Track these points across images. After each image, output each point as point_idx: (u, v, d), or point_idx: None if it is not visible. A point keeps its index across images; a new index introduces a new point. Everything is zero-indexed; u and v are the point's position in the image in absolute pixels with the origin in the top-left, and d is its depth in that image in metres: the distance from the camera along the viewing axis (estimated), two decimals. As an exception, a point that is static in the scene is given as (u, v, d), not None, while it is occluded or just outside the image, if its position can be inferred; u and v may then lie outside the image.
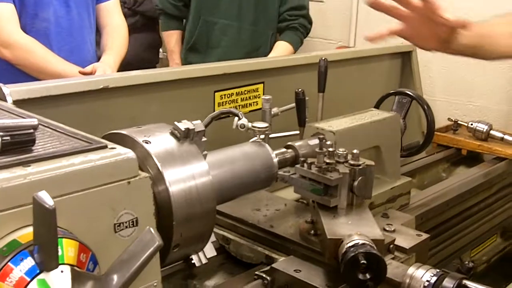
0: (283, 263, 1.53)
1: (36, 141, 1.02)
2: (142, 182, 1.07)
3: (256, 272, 1.53)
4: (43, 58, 2.50)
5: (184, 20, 3.59)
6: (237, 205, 1.72)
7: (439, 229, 2.33)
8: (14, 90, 1.59)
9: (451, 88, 3.76)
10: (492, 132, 2.88)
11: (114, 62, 2.63)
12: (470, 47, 1.85)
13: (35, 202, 0.81)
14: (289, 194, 1.95)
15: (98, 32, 2.86)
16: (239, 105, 2.37)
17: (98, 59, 2.72)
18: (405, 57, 3.22)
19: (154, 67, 4.23)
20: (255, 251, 1.65)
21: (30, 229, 0.90)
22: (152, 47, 4.18)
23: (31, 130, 1.02)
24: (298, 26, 3.50)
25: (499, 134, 2.87)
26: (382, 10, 1.81)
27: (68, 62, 2.54)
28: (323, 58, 2.10)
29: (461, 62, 3.66)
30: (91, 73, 2.47)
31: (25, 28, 2.51)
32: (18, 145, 1.00)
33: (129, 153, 1.06)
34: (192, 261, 1.43)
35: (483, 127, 2.89)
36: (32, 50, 2.49)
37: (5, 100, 1.48)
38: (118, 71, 2.63)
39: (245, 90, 2.40)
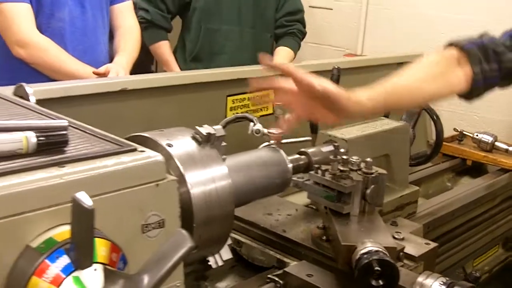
0: (296, 267, 1.56)
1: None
2: (170, 185, 1.10)
3: (269, 275, 1.55)
4: (57, 57, 2.53)
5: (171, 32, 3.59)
6: (249, 209, 1.75)
7: (443, 238, 2.35)
8: (36, 90, 1.62)
9: (456, 98, 3.79)
10: (497, 143, 2.91)
11: (127, 63, 2.67)
12: (376, 109, 1.72)
13: (74, 202, 0.84)
14: (298, 199, 1.99)
15: (111, 33, 2.89)
16: (250, 110, 2.40)
17: (110, 60, 2.76)
18: (413, 67, 3.25)
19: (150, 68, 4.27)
20: (267, 255, 1.68)
21: (65, 228, 0.93)
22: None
23: (65, 131, 1.05)
24: (296, 32, 3.56)
25: (504, 146, 2.90)
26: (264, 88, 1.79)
27: (82, 62, 2.57)
28: (336, 67, 2.13)
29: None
30: (104, 74, 2.51)
31: (40, 28, 2.54)
32: (52, 145, 1.03)
33: (157, 156, 1.09)
34: (209, 263, 1.46)
35: (488, 139, 2.93)
36: (47, 50, 2.52)
37: (28, 100, 1.50)
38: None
39: (257, 95, 2.43)
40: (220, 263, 1.47)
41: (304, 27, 3.66)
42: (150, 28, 3.43)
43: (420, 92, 1.76)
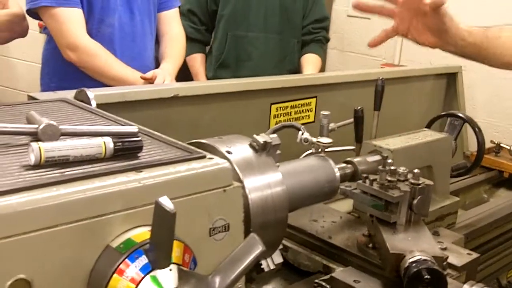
0: (343, 273, 1.60)
1: (141, 148, 1.12)
2: (236, 190, 1.16)
3: (316, 280, 1.60)
4: (106, 62, 2.60)
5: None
6: (295, 215, 1.78)
7: (481, 249, 2.38)
8: (96, 95, 1.68)
9: (492, 110, 3.81)
10: (533, 156, 2.94)
11: (173, 70, 2.73)
12: (471, 45, 1.80)
13: (157, 205, 0.90)
14: (340, 206, 2.04)
15: (156, 39, 2.96)
16: (292, 118, 2.46)
17: (156, 65, 2.82)
18: (451, 78, 3.29)
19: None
20: (313, 260, 1.73)
21: (142, 229, 0.99)
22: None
23: (138, 138, 1.11)
24: (322, 39, 3.60)
25: (541, 159, 2.93)
26: (368, 11, 1.82)
27: (130, 67, 2.64)
28: (381, 78, 2.18)
29: (504, 85, 3.72)
30: (151, 79, 2.57)
31: (91, 32, 2.61)
32: (128, 151, 1.09)
33: (225, 163, 1.15)
34: (261, 266, 1.51)
35: (525, 151, 2.96)
36: (96, 54, 2.59)
37: (90, 104, 1.57)
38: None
39: (299, 104, 2.49)
40: (272, 266, 1.52)
41: (328, 33, 3.72)
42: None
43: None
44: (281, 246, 1.54)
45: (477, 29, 1.79)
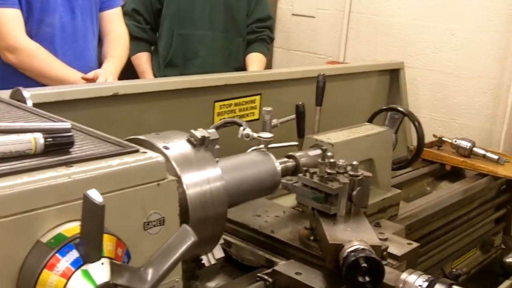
0: (284, 266, 1.61)
1: (73, 143, 1.11)
2: (170, 184, 1.15)
3: (258, 274, 1.60)
4: (46, 63, 2.57)
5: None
6: (238, 211, 1.81)
7: (423, 240, 2.43)
8: (32, 94, 1.66)
9: (435, 105, 3.89)
10: (475, 149, 3.01)
11: (115, 69, 2.71)
12: None
13: (85, 198, 0.90)
14: (285, 201, 2.05)
15: (99, 39, 2.94)
16: (237, 115, 2.47)
17: (99, 65, 2.80)
18: (394, 74, 3.35)
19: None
20: (256, 255, 1.74)
21: (73, 224, 0.99)
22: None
23: (70, 133, 1.10)
24: (266, 38, 3.62)
25: (482, 151, 3.00)
26: None
27: (71, 67, 2.61)
28: (322, 74, 2.20)
29: (446, 80, 3.81)
30: (93, 79, 2.55)
31: (30, 33, 2.58)
32: (59, 146, 1.08)
33: (159, 157, 1.15)
34: (202, 262, 1.51)
35: (466, 144, 3.01)
36: (36, 55, 2.56)
37: (25, 103, 1.55)
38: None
39: (243, 101, 2.50)
40: (213, 261, 1.52)
41: (273, 33, 3.75)
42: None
43: None
44: (222, 241, 1.54)
45: None
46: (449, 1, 3.78)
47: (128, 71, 2.94)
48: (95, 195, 0.90)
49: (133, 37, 3.30)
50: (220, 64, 3.42)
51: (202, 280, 1.72)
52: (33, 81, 2.55)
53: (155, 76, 3.49)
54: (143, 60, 3.49)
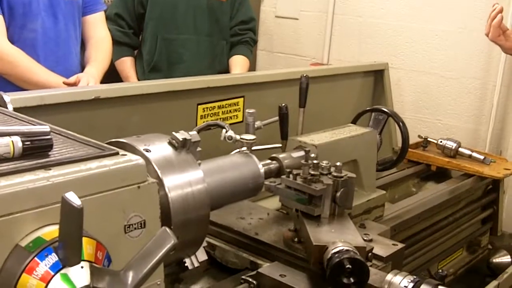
0: (269, 268, 1.60)
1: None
2: (150, 187, 1.15)
3: (243, 277, 1.60)
4: (27, 68, 2.54)
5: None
6: (222, 213, 1.80)
7: (410, 241, 2.43)
8: (13, 99, 1.65)
9: (420, 106, 3.90)
10: (460, 149, 3.02)
11: (97, 73, 2.69)
12: None
13: (63, 201, 0.89)
14: (269, 204, 2.04)
15: (82, 43, 2.92)
16: (220, 118, 2.46)
17: (82, 69, 2.78)
18: (378, 75, 3.35)
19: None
20: (240, 257, 1.73)
21: (52, 228, 0.97)
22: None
23: (49, 136, 1.09)
24: (249, 40, 3.62)
25: (467, 152, 3.01)
26: None
27: (54, 72, 2.59)
28: (304, 75, 2.20)
29: (431, 81, 3.81)
30: (74, 83, 2.52)
31: (12, 38, 2.56)
32: (37, 149, 1.07)
33: (139, 160, 1.14)
34: (185, 264, 1.50)
35: (452, 145, 3.02)
36: (17, 60, 2.53)
37: (6, 107, 1.54)
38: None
39: (226, 104, 2.49)
40: (196, 264, 1.51)
41: (256, 35, 3.74)
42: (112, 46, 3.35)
43: None
44: (206, 244, 1.54)
45: None
46: (433, 2, 3.79)
47: (111, 75, 2.92)
48: (73, 198, 0.89)
49: (116, 42, 3.27)
50: (204, 68, 3.40)
51: (186, 283, 1.71)
52: (15, 86, 2.53)
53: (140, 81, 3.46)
54: (127, 65, 3.45)
